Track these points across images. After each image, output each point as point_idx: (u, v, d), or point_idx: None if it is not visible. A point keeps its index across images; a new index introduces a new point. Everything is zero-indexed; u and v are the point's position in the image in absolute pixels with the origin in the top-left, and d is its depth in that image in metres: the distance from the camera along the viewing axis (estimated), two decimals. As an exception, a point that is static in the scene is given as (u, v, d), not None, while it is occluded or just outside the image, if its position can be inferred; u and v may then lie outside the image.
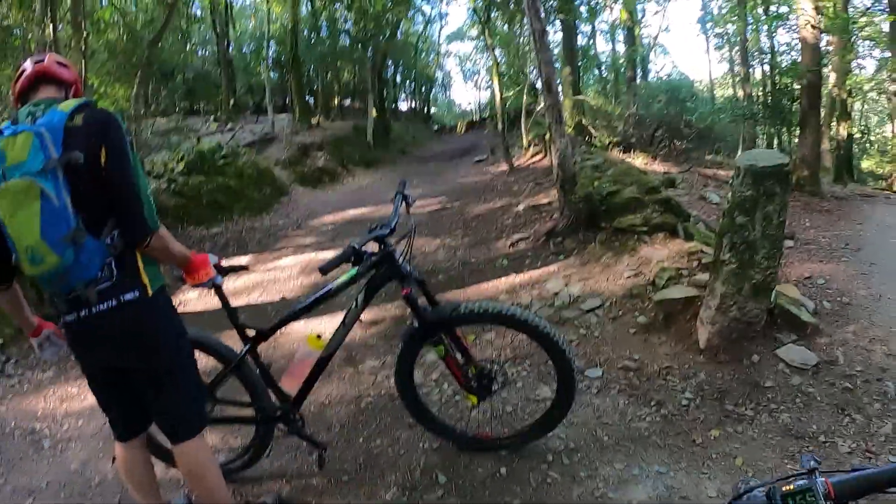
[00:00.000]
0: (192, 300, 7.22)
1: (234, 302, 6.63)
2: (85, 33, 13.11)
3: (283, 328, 3.13)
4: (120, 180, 2.18)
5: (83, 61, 13.13)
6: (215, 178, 12.70)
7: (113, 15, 17.23)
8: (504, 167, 14.26)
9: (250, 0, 33.95)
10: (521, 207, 9.08)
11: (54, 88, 2.41)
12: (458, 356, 3.11)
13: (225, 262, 2.88)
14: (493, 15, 18.06)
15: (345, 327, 3.02)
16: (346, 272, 2.92)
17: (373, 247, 2.91)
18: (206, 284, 2.66)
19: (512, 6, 16.08)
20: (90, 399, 4.25)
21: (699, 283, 4.77)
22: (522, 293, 5.71)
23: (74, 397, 5.06)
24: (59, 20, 13.33)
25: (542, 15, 7.62)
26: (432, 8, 38.39)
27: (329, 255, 7.53)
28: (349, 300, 3.10)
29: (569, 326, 4.88)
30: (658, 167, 12.48)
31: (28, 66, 2.40)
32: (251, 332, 3.02)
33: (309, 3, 27.13)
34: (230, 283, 7.96)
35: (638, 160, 12.72)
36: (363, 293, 2.98)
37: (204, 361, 2.93)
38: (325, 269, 2.63)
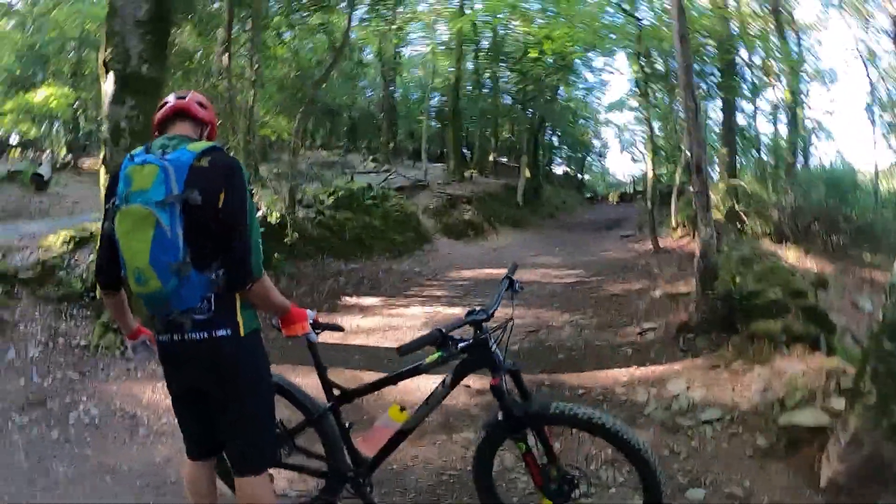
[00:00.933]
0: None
1: (353, 340, 7.15)
2: (257, 66, 14.08)
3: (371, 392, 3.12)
4: (233, 226, 2.29)
5: (253, 91, 14.07)
6: (362, 216, 13.10)
7: (285, 52, 18.33)
8: (649, 246, 13.75)
9: (418, 51, 35.40)
10: (657, 293, 8.64)
11: (190, 126, 2.54)
12: (541, 455, 2.90)
13: (322, 319, 2.92)
14: (652, 87, 17.78)
15: (428, 406, 2.95)
16: (439, 350, 2.80)
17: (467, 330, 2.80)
18: (301, 338, 2.72)
19: (672, 80, 15.77)
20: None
21: (833, 410, 4.27)
22: (640, 389, 5.34)
23: (180, 397, 5.30)
24: (236, 52, 14.35)
25: (697, 93, 7.34)
26: (594, 75, 38.22)
27: (456, 312, 7.25)
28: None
29: (681, 435, 4.49)
30: (810, 263, 11.57)
31: (171, 100, 2.55)
32: (337, 392, 3.03)
33: (473, 60, 27.83)
34: (354, 321, 8.13)
35: (789, 253, 11.86)
36: (451, 376, 2.88)
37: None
38: (404, 350, 2.60)
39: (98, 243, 2.55)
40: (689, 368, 5.66)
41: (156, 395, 5.44)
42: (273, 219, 10.60)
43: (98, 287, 2.69)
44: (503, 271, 3.33)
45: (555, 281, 10.78)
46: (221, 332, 2.35)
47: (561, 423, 2.95)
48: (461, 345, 2.74)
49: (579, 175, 49.89)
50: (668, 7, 8.49)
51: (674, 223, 15.42)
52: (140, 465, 4.23)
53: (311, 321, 2.77)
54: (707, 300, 6.45)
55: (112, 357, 6.31)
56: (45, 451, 4.47)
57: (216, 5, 15.12)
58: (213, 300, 2.33)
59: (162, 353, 2.50)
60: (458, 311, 2.96)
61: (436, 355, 2.79)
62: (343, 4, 16.82)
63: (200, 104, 2.58)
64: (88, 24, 20.41)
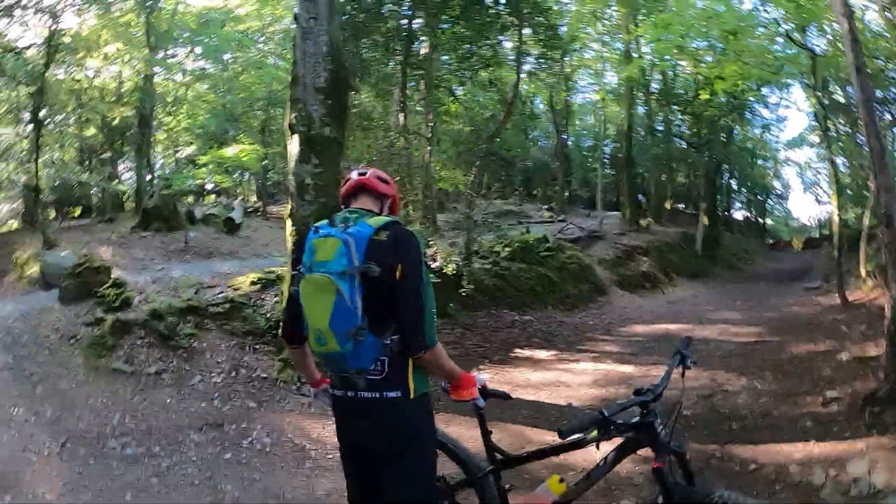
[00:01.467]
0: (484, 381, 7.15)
1: (524, 395, 6.92)
2: (432, 122, 14.38)
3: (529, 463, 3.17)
4: (409, 297, 2.42)
5: (429, 146, 14.36)
6: (537, 267, 12.95)
7: (458, 108, 18.71)
8: (836, 300, 12.49)
9: (588, 98, 35.10)
10: (844, 356, 7.79)
11: (371, 199, 2.70)
12: None
13: (493, 371, 3.13)
14: (832, 120, 16.26)
15: (588, 481, 2.85)
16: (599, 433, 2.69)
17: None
18: (468, 404, 2.77)
19: (853, 110, 14.27)
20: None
21: None
22: (816, 469, 4.66)
23: (350, 436, 5.49)
24: (411, 109, 14.80)
25: (882, 124, 6.35)
26: (770, 112, 36.09)
27: (629, 371, 7.35)
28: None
29: None
30: None
31: (353, 175, 2.73)
32: (500, 456, 3.03)
33: (644, 104, 27.06)
34: (525, 374, 8.06)
35: None
36: (615, 454, 2.79)
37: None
38: (564, 432, 2.52)
39: (284, 303, 2.99)
40: (874, 448, 4.93)
41: (325, 431, 5.75)
42: (449, 270, 10.64)
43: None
44: (679, 327, 2.97)
45: (733, 339, 10.18)
46: (392, 394, 2.45)
47: None
48: (627, 423, 2.67)
49: (760, 220, 47.39)
50: (841, 33, 7.48)
51: (863, 273, 13.69)
52: (303, 496, 4.51)
53: (479, 386, 2.80)
54: None
55: (289, 391, 6.83)
56: (217, 470, 4.90)
57: (390, 67, 15.69)
58: (386, 363, 2.44)
59: (335, 405, 2.66)
60: (631, 370, 2.80)
61: (597, 435, 2.68)
62: (511, 59, 17.00)
63: (381, 179, 2.75)
64: (275, 84, 22.01)
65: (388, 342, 2.41)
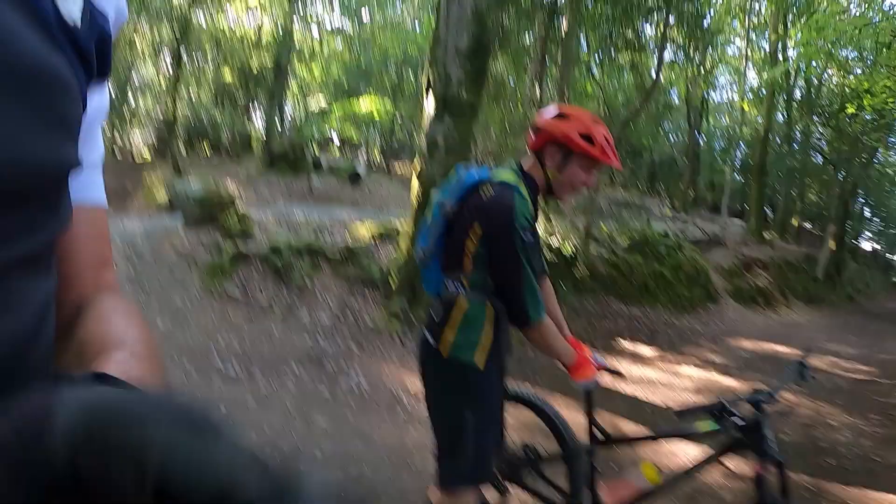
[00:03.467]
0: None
1: (620, 386, 6.79)
2: (566, 100, 14.09)
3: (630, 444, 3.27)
4: (498, 262, 2.33)
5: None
6: (653, 263, 12.59)
7: (594, 89, 18.34)
8: None
9: (726, 97, 33.66)
10: None
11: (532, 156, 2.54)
12: None
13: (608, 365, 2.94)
14: None
15: (686, 475, 2.77)
16: (712, 423, 2.64)
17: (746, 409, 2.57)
18: (585, 386, 2.66)
19: None
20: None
21: None
22: None
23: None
24: (547, 84, 14.59)
25: None
26: (919, 137, 33.65)
27: (731, 383, 7.15)
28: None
29: None
30: None
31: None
32: (601, 436, 2.99)
33: (784, 111, 25.67)
34: (626, 366, 8.00)
35: None
36: (716, 451, 2.66)
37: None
38: (682, 414, 2.62)
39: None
40: None
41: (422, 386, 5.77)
42: (566, 250, 10.47)
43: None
44: (789, 350, 2.80)
45: (843, 374, 9.55)
46: (430, 339, 2.43)
47: None
48: (736, 421, 2.54)
49: (889, 255, 44.27)
50: None
51: None
52: (391, 441, 4.59)
53: (595, 366, 2.69)
54: None
55: (392, 341, 7.00)
56: (312, 402, 5.10)
57: (530, 40, 15.50)
58: (444, 309, 2.39)
59: None
60: (733, 383, 2.84)
61: (712, 426, 2.64)
62: (652, 46, 16.51)
63: (534, 128, 2.50)
64: (410, 47, 22.21)
65: (453, 283, 2.38)
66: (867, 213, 38.81)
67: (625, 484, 3.00)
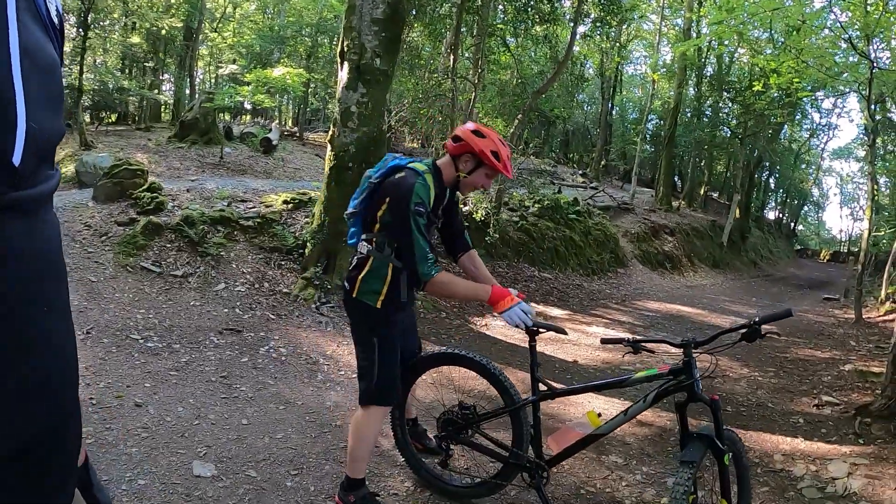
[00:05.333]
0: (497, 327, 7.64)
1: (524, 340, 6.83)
2: (481, 69, 14.21)
3: (570, 396, 3.63)
4: (395, 232, 2.99)
5: (474, 93, 14.25)
6: (563, 228, 12.93)
7: (508, 59, 18.48)
8: (851, 315, 12.35)
9: (639, 71, 34.44)
10: (847, 368, 7.82)
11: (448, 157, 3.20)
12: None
13: (538, 314, 3.09)
14: (883, 138, 15.83)
15: (625, 417, 3.05)
16: (648, 369, 3.00)
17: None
18: (512, 319, 2.98)
19: None
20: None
21: None
22: (799, 463, 4.76)
23: (362, 354, 5.90)
24: (461, 54, 14.65)
25: None
26: (822, 117, 35.38)
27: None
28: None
29: None
30: None
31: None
32: (543, 388, 3.22)
33: (695, 86, 26.58)
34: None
35: None
36: (654, 394, 2.96)
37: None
38: (605, 341, 3.06)
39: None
40: (857, 455, 5.02)
41: (339, 349, 6.13)
42: (478, 216, 10.67)
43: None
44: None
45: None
46: (346, 284, 3.16)
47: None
48: (672, 366, 2.91)
49: (792, 224, 46.58)
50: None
51: (883, 295, 13.54)
52: (312, 404, 4.76)
53: (517, 298, 3.04)
54: (894, 386, 5.52)
55: (308, 308, 7.06)
56: (233, 371, 5.18)
57: (445, 8, 15.47)
58: (357, 260, 3.11)
59: None
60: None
61: (647, 372, 2.97)
62: (568, 17, 16.73)
63: (453, 137, 3.14)
64: (326, 13, 21.80)
65: (366, 243, 3.07)
66: (772, 185, 40.68)
67: (567, 431, 3.21)
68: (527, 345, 3.22)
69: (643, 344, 2.94)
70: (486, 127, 3.12)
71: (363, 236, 3.11)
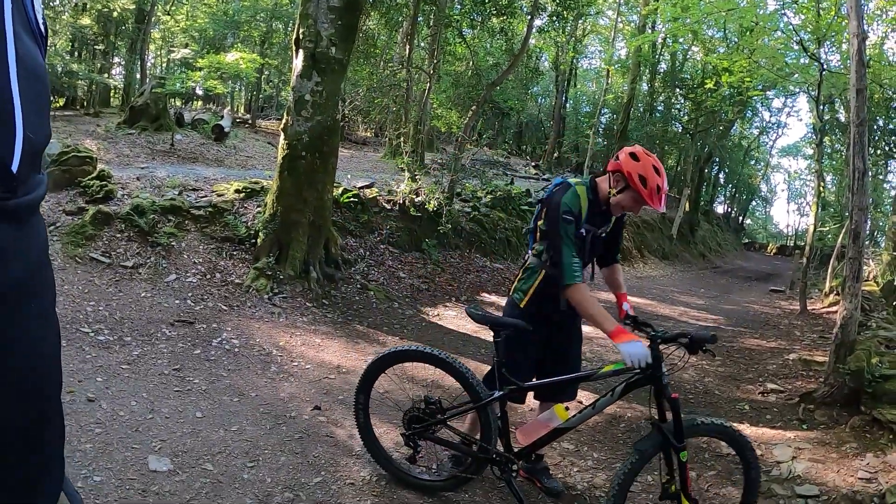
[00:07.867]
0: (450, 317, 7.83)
1: (484, 336, 7.16)
2: (437, 60, 14.26)
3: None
4: (546, 238, 3.35)
5: (429, 83, 14.25)
6: (515, 219, 13.06)
7: (464, 50, 18.54)
8: (796, 306, 12.76)
9: (594, 65, 34.78)
10: (791, 357, 8.10)
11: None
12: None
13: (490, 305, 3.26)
14: (830, 138, 16.31)
15: (593, 410, 3.14)
16: (616, 363, 3.05)
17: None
18: (629, 353, 2.89)
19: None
20: (325, 354, 5.92)
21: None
22: None
23: (315, 346, 6.10)
24: (417, 44, 14.62)
25: (875, 153, 6.47)
26: (771, 115, 36.24)
27: (586, 330, 7.84)
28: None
29: (771, 502, 4.13)
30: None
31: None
32: (512, 386, 3.29)
33: (648, 82, 26.96)
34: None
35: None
36: (622, 387, 3.06)
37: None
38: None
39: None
40: (801, 439, 5.30)
41: (292, 340, 6.16)
42: (430, 206, 10.72)
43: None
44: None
45: (692, 322, 10.56)
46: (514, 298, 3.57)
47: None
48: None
49: (740, 219, 47.76)
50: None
51: (827, 287, 14.03)
52: (266, 396, 4.77)
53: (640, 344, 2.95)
54: (836, 374, 5.81)
55: (260, 299, 7.03)
56: (186, 363, 5.14)
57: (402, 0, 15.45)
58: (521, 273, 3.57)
59: None
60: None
61: (616, 365, 3.03)
62: (524, 10, 16.84)
63: (615, 156, 3.28)
64: (282, -3, 21.46)
65: (531, 251, 3.50)
66: (721, 180, 41.50)
67: (536, 424, 3.29)
68: (484, 337, 3.37)
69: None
70: (649, 154, 3.20)
71: (532, 246, 3.51)
